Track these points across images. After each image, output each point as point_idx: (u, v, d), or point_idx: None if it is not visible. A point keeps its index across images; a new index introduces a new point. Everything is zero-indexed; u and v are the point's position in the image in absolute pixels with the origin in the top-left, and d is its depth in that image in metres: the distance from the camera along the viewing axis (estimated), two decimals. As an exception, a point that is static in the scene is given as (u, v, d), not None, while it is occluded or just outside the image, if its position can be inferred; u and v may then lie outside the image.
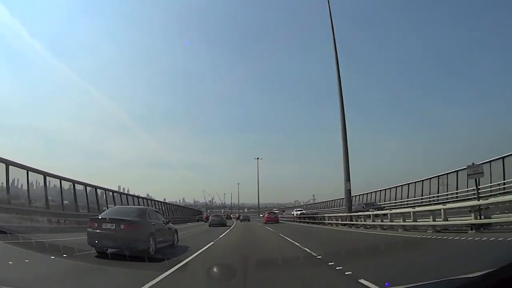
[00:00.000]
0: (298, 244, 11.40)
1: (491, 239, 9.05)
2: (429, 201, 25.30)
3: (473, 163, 13.36)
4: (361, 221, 20.12)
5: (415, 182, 29.34)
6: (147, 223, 9.17)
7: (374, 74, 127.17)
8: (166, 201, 64.33)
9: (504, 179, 19.33)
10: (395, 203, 30.23)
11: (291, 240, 13.29)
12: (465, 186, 22.26)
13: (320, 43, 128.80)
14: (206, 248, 10.93)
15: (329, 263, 6.83)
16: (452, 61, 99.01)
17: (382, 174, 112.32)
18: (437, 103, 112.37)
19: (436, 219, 12.57)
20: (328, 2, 25.80)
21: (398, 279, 4.64)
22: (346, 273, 5.70)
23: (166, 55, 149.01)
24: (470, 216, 11.09)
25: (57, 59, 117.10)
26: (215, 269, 6.37)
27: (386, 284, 4.40)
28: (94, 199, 25.35)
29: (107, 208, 25.60)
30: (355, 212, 24.07)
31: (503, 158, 20.39)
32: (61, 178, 21.07)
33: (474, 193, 21.07)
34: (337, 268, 6.22)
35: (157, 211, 11.88)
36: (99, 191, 26.41)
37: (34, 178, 18.15)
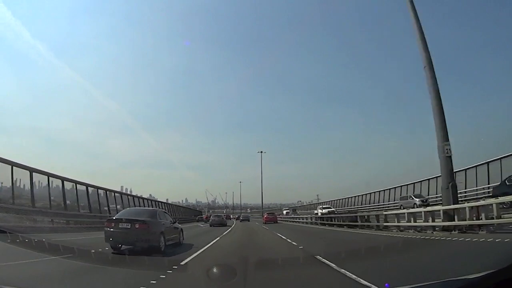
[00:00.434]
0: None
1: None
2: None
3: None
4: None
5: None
6: (158, 223, 10.12)
7: (375, 73, 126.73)
8: (169, 201, 64.73)
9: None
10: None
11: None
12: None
13: (320, 42, 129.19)
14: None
15: None
16: (453, 61, 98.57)
17: (383, 174, 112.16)
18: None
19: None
20: None
21: None
22: None
23: (168, 55, 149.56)
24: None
25: (59, 60, 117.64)
26: (216, 268, 6.48)
27: (386, 285, 4.31)
28: (95, 199, 25.48)
29: (108, 209, 26.44)
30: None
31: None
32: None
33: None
34: None
35: (165, 212, 13.00)
36: (100, 191, 26.51)
37: (36, 178, 18.28)
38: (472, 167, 22.70)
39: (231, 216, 70.23)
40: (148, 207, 31.18)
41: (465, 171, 23.16)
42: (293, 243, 12.10)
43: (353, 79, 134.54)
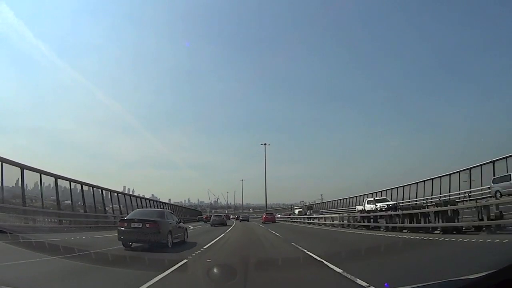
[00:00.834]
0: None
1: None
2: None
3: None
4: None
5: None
6: (166, 223, 11.06)
7: (376, 73, 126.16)
8: (171, 201, 64.87)
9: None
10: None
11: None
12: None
13: (322, 42, 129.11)
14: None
15: None
16: (453, 61, 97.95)
17: (382, 174, 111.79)
18: (437, 103, 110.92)
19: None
20: None
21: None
22: None
23: (170, 56, 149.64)
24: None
25: (62, 60, 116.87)
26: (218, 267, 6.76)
27: (386, 285, 4.28)
28: (100, 200, 25.64)
29: (108, 209, 27.02)
30: None
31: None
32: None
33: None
34: None
35: (171, 213, 14.10)
36: (99, 190, 26.55)
37: (37, 178, 18.39)
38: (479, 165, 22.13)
39: (231, 217, 70.33)
40: (151, 207, 31.65)
41: (470, 170, 22.95)
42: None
43: (355, 79, 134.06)
